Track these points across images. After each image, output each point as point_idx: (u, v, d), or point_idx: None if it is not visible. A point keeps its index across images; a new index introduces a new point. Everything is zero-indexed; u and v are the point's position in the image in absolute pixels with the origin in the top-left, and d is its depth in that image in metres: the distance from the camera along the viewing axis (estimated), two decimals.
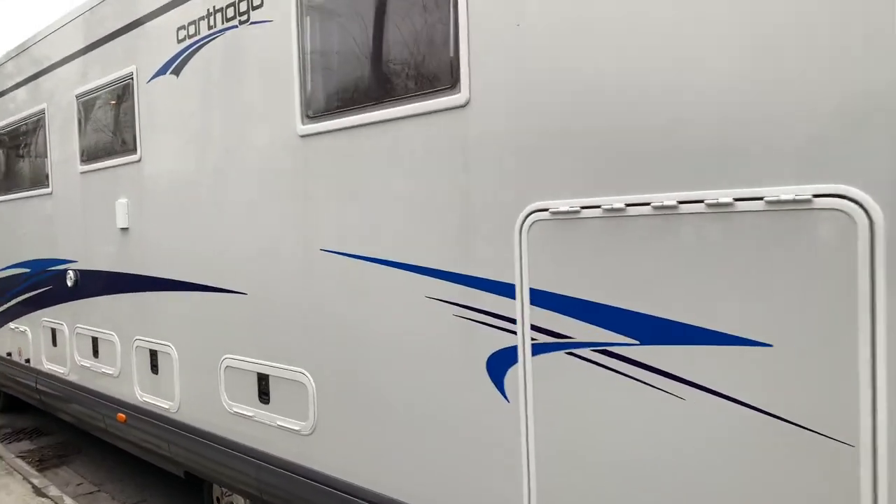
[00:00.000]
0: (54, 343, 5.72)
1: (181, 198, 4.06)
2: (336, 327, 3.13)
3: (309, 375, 3.28)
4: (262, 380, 3.55)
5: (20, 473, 5.60)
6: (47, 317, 5.78)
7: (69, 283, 5.31)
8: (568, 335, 2.25)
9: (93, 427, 5.29)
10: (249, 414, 3.64)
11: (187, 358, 4.13)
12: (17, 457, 6.18)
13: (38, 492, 5.20)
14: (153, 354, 4.42)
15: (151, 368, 4.44)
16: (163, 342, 4.31)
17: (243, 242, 3.60)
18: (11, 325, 6.51)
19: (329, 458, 3.21)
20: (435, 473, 2.74)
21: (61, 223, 5.46)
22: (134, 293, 4.57)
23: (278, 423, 3.46)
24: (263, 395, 3.56)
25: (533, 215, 2.32)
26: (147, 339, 4.47)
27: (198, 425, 4.06)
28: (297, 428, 3.35)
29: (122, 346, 4.76)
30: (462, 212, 2.55)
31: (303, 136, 3.21)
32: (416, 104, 2.66)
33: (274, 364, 3.47)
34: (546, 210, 2.28)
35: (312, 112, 3.17)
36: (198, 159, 3.90)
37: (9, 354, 6.65)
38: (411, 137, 2.71)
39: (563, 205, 2.23)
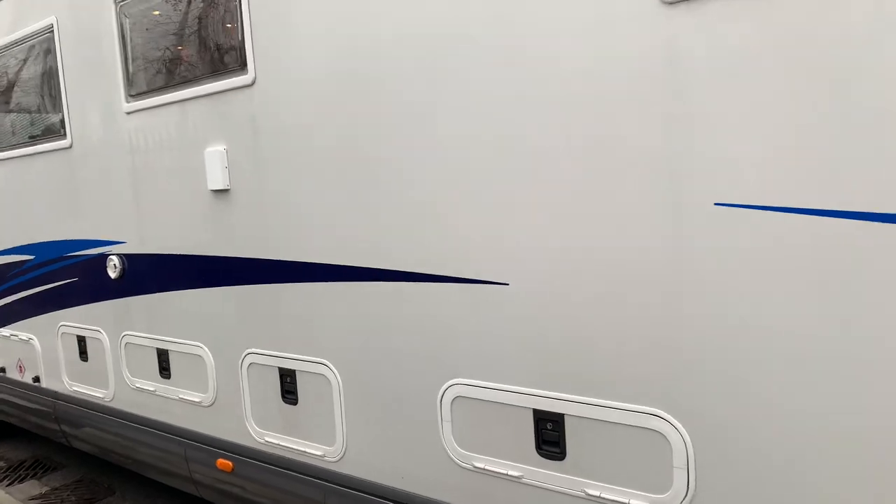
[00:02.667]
0: (83, 356, 4.13)
1: (348, 136, 2.57)
2: (751, 345, 1.79)
3: (678, 424, 1.93)
4: (548, 422, 2.18)
5: None
6: (70, 321, 4.16)
7: (111, 274, 3.73)
8: None
9: (164, 474, 3.77)
10: (515, 474, 2.28)
11: (361, 383, 2.70)
12: None
13: None
14: (286, 376, 2.96)
15: (283, 396, 2.99)
16: (309, 358, 2.86)
17: (504, 199, 2.18)
18: (4, 331, 4.83)
19: None
20: None
21: (91, 188, 3.82)
22: (242, 286, 3.07)
23: (589, 491, 2.12)
24: (549, 445, 2.19)
25: None
26: (272, 353, 3.00)
27: (388, 483, 2.66)
28: None
29: (216, 362, 3.27)
30: None
31: (670, 3, 1.81)
32: None
33: (576, 399, 2.11)
34: None
35: None
36: (389, 71, 2.41)
37: (2, 370, 4.98)
38: None
39: None
